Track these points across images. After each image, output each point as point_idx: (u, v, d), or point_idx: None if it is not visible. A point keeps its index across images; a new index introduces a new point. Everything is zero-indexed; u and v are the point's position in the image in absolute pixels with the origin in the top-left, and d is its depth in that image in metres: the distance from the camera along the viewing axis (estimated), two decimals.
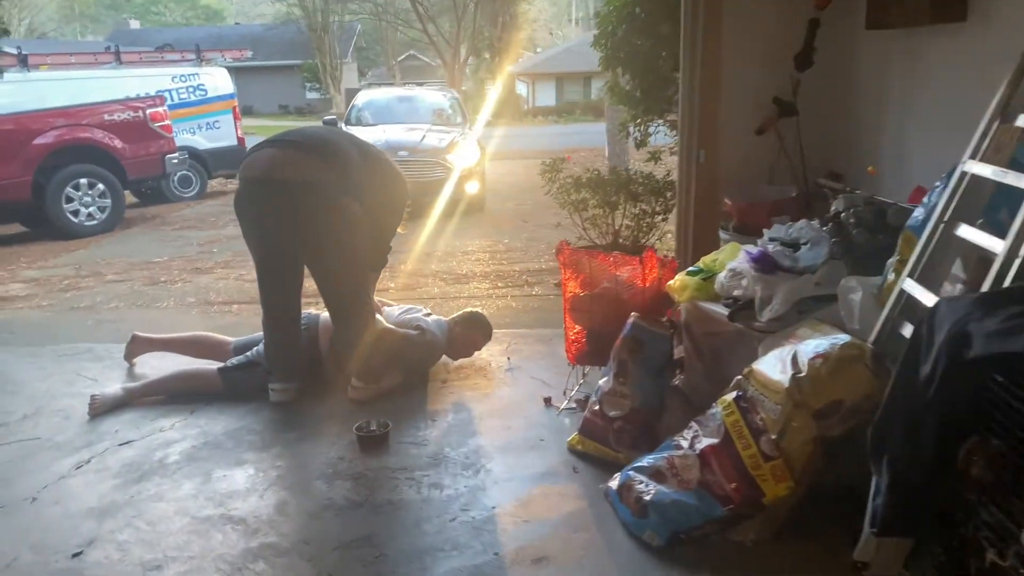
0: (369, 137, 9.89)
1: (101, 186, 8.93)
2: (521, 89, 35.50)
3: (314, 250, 3.23)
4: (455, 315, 3.93)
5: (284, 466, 2.89)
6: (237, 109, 12.60)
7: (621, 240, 4.76)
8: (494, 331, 4.11)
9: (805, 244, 2.81)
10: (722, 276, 2.98)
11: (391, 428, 3.06)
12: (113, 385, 3.53)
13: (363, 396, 3.41)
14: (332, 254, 3.24)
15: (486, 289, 5.52)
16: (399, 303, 4.04)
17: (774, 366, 2.45)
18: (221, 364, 3.52)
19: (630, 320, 2.84)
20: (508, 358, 3.87)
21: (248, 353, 3.52)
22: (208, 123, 12.27)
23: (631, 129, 5.84)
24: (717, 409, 2.50)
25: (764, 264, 2.79)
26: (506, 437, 3.04)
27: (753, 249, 2.90)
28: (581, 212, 4.80)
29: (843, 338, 2.38)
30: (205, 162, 12.19)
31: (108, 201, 9.00)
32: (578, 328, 3.28)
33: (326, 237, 3.18)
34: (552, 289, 5.41)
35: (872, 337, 2.41)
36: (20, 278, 6.46)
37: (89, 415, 3.34)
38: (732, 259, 3.13)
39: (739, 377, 2.55)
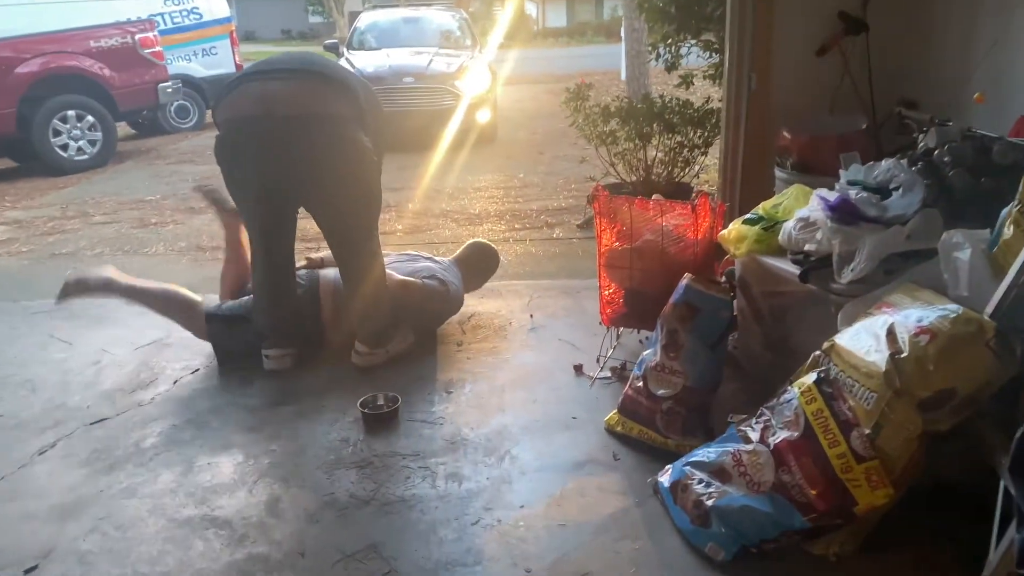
0: (372, 62, 9.41)
1: (91, 118, 8.40)
2: (531, 10, 34.19)
3: (327, 194, 2.78)
4: (458, 251, 3.50)
5: (278, 451, 2.49)
6: (235, 34, 11.93)
7: (653, 177, 4.26)
8: (513, 283, 3.68)
9: (895, 189, 2.33)
10: (789, 226, 2.51)
11: (400, 404, 2.66)
12: (97, 269, 3.16)
13: (370, 362, 3.00)
14: (349, 197, 2.81)
15: (502, 232, 5.06)
16: (395, 250, 3.59)
17: (864, 341, 2.01)
18: (208, 307, 3.10)
19: (683, 282, 2.39)
20: (531, 315, 3.44)
21: (242, 302, 3.09)
22: (204, 49, 11.64)
23: (660, 50, 5.28)
24: (793, 393, 2.07)
25: (844, 213, 2.32)
26: (533, 414, 2.64)
27: (829, 195, 2.43)
28: (609, 146, 4.29)
29: (953, 309, 1.93)
30: (202, 91, 11.58)
31: (98, 134, 8.48)
32: (614, 287, 2.83)
33: (345, 178, 2.75)
34: (574, 231, 4.94)
35: (990, 309, 1.96)
36: (2, 219, 6.03)
37: (57, 298, 3.07)
38: (800, 206, 2.66)
39: (818, 353, 2.12)
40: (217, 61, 11.66)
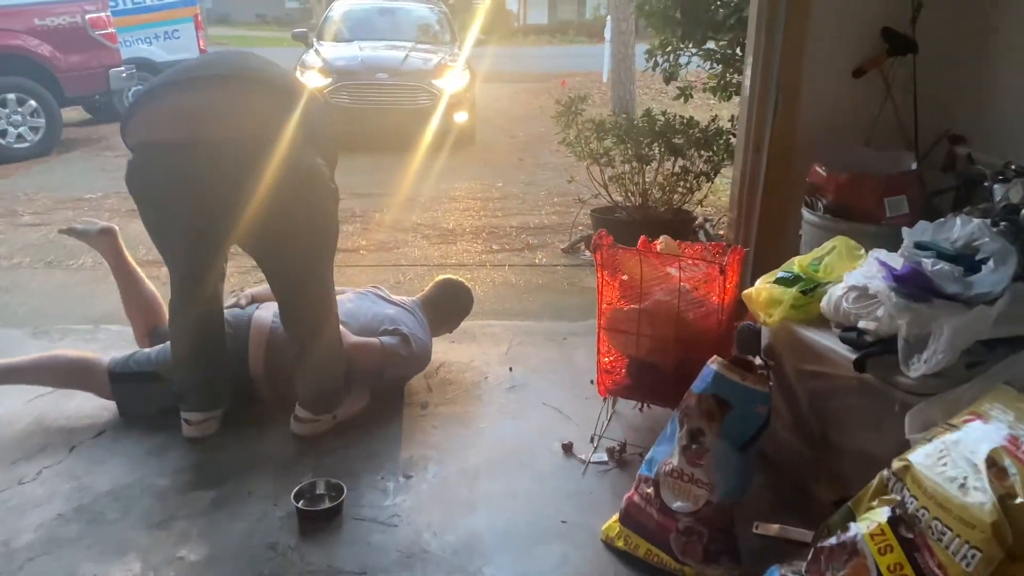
0: (343, 54, 8.80)
1: (33, 103, 7.71)
2: (511, 5, 33.61)
3: (273, 236, 2.22)
4: (425, 291, 2.99)
5: (187, 560, 1.94)
6: (199, 17, 11.24)
7: (651, 202, 3.77)
8: (490, 323, 3.16)
9: (984, 259, 1.84)
10: (837, 293, 2.03)
11: (345, 496, 2.12)
12: None
13: (312, 431, 2.46)
14: (300, 238, 2.25)
15: (478, 253, 4.52)
16: (354, 277, 3.05)
17: (953, 468, 1.52)
18: (115, 360, 2.55)
19: (711, 367, 1.88)
20: (510, 368, 2.92)
21: (154, 354, 2.54)
22: (166, 32, 10.94)
23: (659, 58, 4.78)
24: (857, 533, 1.57)
25: (916, 287, 1.83)
26: (512, 513, 2.12)
27: (893, 260, 1.94)
28: (603, 166, 3.78)
29: None
30: None
31: (41, 121, 7.79)
32: (616, 354, 2.32)
33: (296, 216, 2.18)
34: (559, 257, 4.42)
35: None
36: None
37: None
38: (846, 264, 2.18)
39: (886, 474, 1.62)
40: (180, 45, 10.96)
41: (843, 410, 2.04)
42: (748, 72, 3.02)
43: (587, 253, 4.47)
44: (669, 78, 4.84)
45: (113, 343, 3.09)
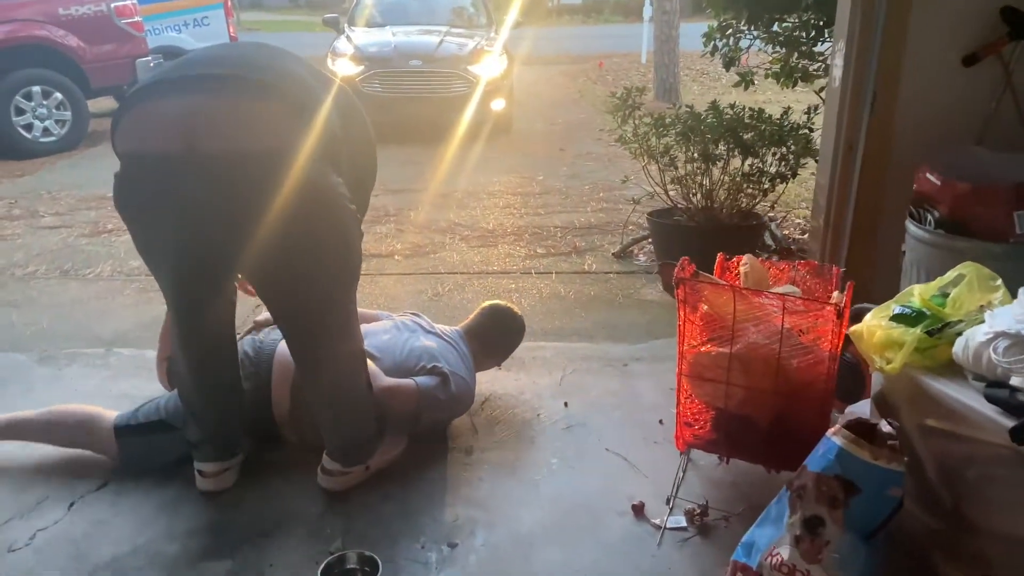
0: (375, 40, 8.45)
1: (59, 95, 7.49)
2: None
3: (279, 268, 1.88)
4: (470, 319, 2.64)
5: None
6: (230, 2, 10.99)
7: (715, 203, 3.38)
8: (540, 345, 2.82)
9: None
10: (978, 338, 1.65)
11: (381, 573, 1.80)
12: None
13: (343, 485, 2.14)
14: (312, 270, 1.90)
15: (521, 258, 4.16)
16: (387, 313, 2.71)
17: None
18: (120, 415, 2.25)
19: (833, 440, 1.52)
20: (565, 403, 2.57)
21: (163, 403, 2.24)
22: (195, 19, 10.73)
23: (717, 42, 4.37)
24: None
25: None
26: None
27: None
28: (664, 167, 3.40)
29: None
30: None
31: (67, 114, 7.58)
32: (699, 403, 1.96)
33: (307, 244, 1.84)
34: (610, 262, 4.05)
35: None
36: None
37: None
38: (978, 296, 1.80)
39: None
40: (210, 32, 10.74)
41: (986, 481, 1.67)
42: (838, 60, 2.62)
43: (641, 258, 4.09)
44: (729, 63, 4.43)
45: (124, 369, 2.81)
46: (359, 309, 2.69)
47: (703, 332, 1.86)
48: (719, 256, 2.39)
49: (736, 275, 2.38)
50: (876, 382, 1.93)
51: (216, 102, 1.75)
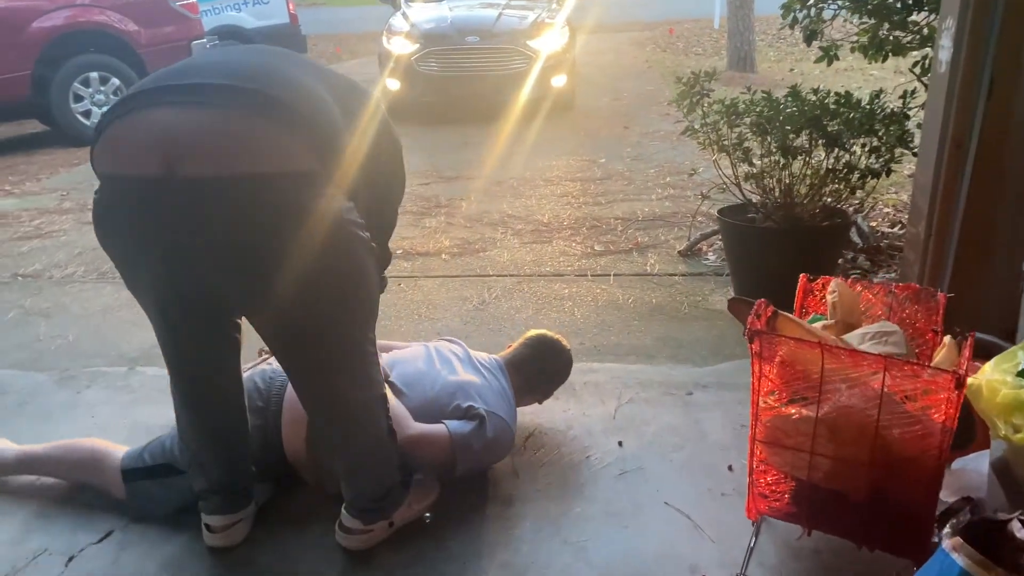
0: (431, 16, 8.15)
1: (116, 81, 7.44)
2: None
3: (278, 311, 1.62)
4: (512, 348, 2.34)
5: None
6: None
7: (795, 200, 2.99)
8: (592, 367, 2.53)
9: None
10: None
11: None
12: None
13: (362, 544, 1.89)
14: (320, 318, 1.64)
15: (577, 257, 3.84)
16: (418, 342, 2.43)
17: None
18: (128, 455, 2.05)
19: (954, 560, 1.18)
20: (619, 442, 2.27)
21: (164, 443, 2.03)
22: None
23: (797, 12, 3.93)
24: None
25: None
26: None
27: None
28: (738, 162, 3.02)
29: None
30: (252, 42, 10.59)
31: None
32: (776, 472, 1.63)
33: (308, 284, 1.57)
34: (674, 262, 3.70)
35: None
36: None
37: None
38: None
39: None
40: (269, 11, 10.66)
41: None
42: (945, 41, 2.21)
43: (710, 257, 3.73)
44: (810, 37, 3.98)
45: (144, 393, 2.63)
46: (387, 341, 2.46)
47: (782, 389, 1.53)
48: (802, 278, 2.05)
49: (821, 300, 2.03)
50: (998, 447, 1.57)
51: (202, 117, 1.49)
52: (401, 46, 7.48)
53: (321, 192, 1.53)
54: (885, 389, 1.39)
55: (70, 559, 1.91)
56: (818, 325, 1.77)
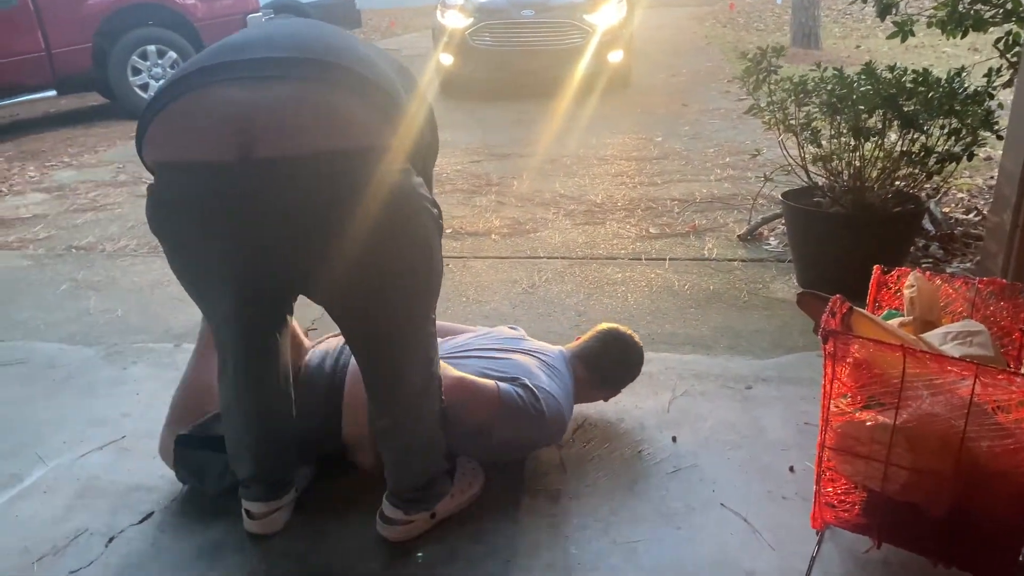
0: None
1: (173, 54, 7.50)
2: None
3: (356, 289, 1.57)
4: (581, 341, 2.24)
5: None
6: None
7: (865, 184, 2.82)
8: (648, 356, 2.42)
9: None
10: None
11: None
12: None
13: (403, 535, 1.83)
14: (391, 289, 1.58)
15: (631, 239, 3.71)
16: (472, 330, 2.35)
17: None
18: (191, 426, 2.01)
19: None
20: (673, 437, 2.16)
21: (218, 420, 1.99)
22: None
23: None
24: None
25: None
26: None
27: None
28: (805, 143, 2.86)
29: None
30: (307, 15, 10.60)
31: None
32: (846, 481, 1.51)
33: (387, 260, 1.53)
34: (734, 246, 3.55)
35: None
36: (45, 184, 5.19)
37: None
38: None
39: None
40: None
41: None
42: None
43: (772, 242, 3.57)
44: (884, 10, 3.75)
45: None
46: (448, 323, 2.39)
47: (856, 393, 1.41)
48: (876, 270, 1.90)
49: (896, 293, 1.89)
50: None
51: (279, 91, 1.41)
52: (455, 20, 7.38)
53: (398, 168, 1.47)
54: (974, 398, 1.26)
55: (110, 540, 1.89)
56: (894, 322, 1.64)
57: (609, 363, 2.18)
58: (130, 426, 2.30)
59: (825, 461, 1.49)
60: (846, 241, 2.85)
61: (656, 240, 3.69)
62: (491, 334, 2.19)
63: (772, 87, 2.88)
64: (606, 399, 2.25)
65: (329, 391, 1.98)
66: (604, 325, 2.26)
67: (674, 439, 2.15)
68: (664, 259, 3.44)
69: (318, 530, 1.89)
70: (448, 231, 3.88)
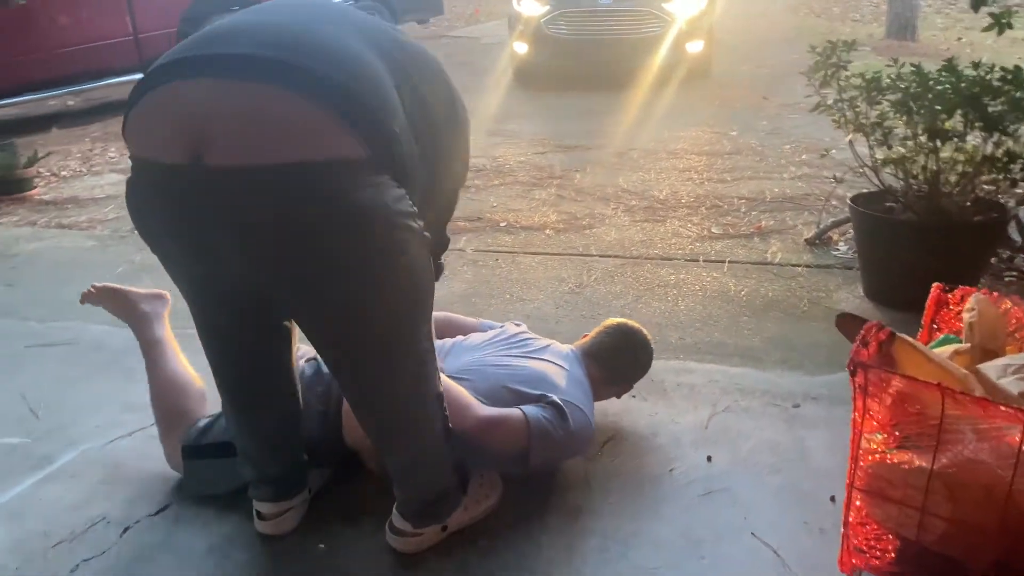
0: None
1: None
2: None
3: (321, 312, 1.49)
4: (590, 337, 2.15)
5: None
6: None
7: (942, 190, 2.60)
8: (689, 366, 2.30)
9: None
10: None
11: None
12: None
13: (413, 548, 1.76)
14: (366, 318, 1.49)
15: (691, 239, 3.55)
16: (487, 322, 2.28)
17: None
18: (194, 429, 2.00)
19: None
20: (708, 457, 2.03)
21: (223, 422, 1.97)
22: None
23: None
24: None
25: None
26: None
27: None
28: (876, 145, 2.65)
29: None
30: (389, 2, 10.65)
31: None
32: (876, 525, 1.37)
33: (357, 287, 1.43)
34: (799, 251, 3.36)
35: None
36: (122, 165, 5.34)
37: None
38: None
39: None
40: None
41: None
42: None
43: (841, 247, 3.36)
44: (979, 1, 3.48)
45: None
46: (457, 316, 2.32)
47: (891, 431, 1.26)
48: (934, 289, 1.74)
49: (958, 315, 1.72)
50: None
51: (235, 96, 1.33)
52: (530, 7, 7.27)
53: (367, 182, 1.36)
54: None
55: (125, 529, 1.89)
56: (949, 350, 1.47)
57: (620, 358, 2.10)
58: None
59: (854, 503, 1.35)
60: (918, 251, 2.64)
61: (717, 241, 3.52)
62: (500, 336, 2.11)
63: (842, 84, 2.68)
64: (618, 396, 2.16)
65: (327, 399, 1.93)
66: (612, 320, 2.18)
67: (709, 459, 2.02)
68: (723, 261, 3.27)
69: (328, 533, 1.84)
70: (502, 224, 3.80)
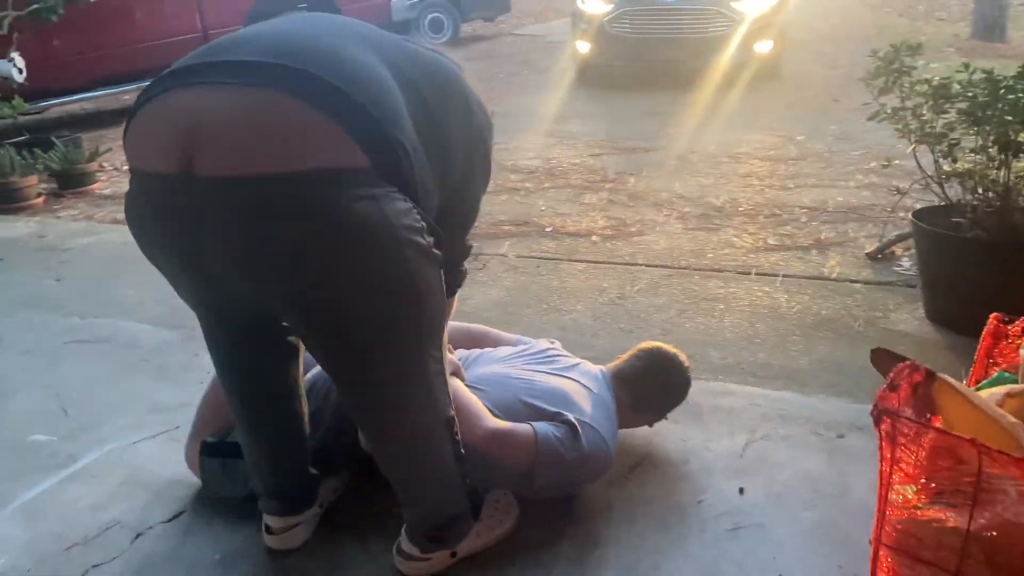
0: None
1: None
2: None
3: (320, 328, 1.43)
4: (622, 360, 2.04)
5: None
6: None
7: (1013, 207, 2.41)
8: (728, 388, 2.18)
9: None
10: None
11: None
12: None
13: (418, 572, 1.69)
14: (368, 338, 1.42)
15: (745, 250, 3.40)
16: (524, 338, 2.19)
17: None
18: (222, 429, 1.97)
19: None
20: (740, 489, 1.90)
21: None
22: None
23: None
24: None
25: None
26: None
27: None
28: (941, 156, 2.47)
29: None
30: (458, 1, 10.71)
31: None
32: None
33: (356, 304, 1.37)
34: (860, 266, 3.17)
35: None
36: None
37: None
38: None
39: None
40: None
41: None
42: None
43: (904, 263, 3.17)
44: None
45: None
46: (495, 330, 2.25)
47: (924, 485, 1.13)
48: (992, 319, 1.58)
49: (1016, 348, 1.56)
50: None
51: (226, 103, 1.28)
52: (594, 6, 7.15)
53: (367, 193, 1.29)
54: None
55: (137, 535, 1.87)
56: (999, 392, 1.32)
57: (653, 384, 1.98)
58: (184, 417, 2.28)
59: (881, 560, 1.22)
60: (987, 271, 2.45)
61: (772, 252, 3.36)
62: (528, 351, 2.03)
63: (906, 91, 2.50)
64: (651, 424, 2.04)
65: (339, 404, 1.87)
66: (646, 344, 2.06)
67: (741, 491, 1.90)
68: (777, 275, 3.11)
69: (336, 552, 1.79)
70: (548, 229, 3.71)
